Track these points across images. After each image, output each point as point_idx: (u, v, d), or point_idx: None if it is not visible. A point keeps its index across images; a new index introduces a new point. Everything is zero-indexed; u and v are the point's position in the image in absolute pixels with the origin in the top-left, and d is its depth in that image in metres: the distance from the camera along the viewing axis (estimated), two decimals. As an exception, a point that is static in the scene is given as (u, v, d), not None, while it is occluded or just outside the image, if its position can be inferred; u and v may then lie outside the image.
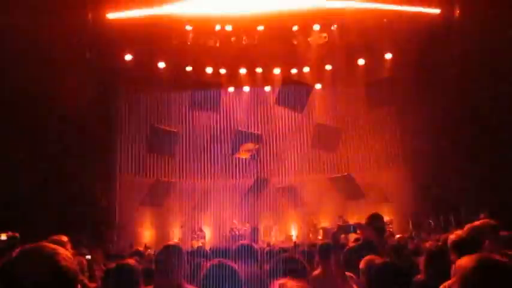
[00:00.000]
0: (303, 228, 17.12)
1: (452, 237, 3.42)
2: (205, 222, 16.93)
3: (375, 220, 4.34)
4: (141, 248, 10.61)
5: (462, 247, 3.31)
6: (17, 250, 1.64)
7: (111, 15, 14.07)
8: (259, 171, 17.44)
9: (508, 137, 11.58)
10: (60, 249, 1.68)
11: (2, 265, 1.59)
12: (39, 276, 1.56)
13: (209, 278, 2.58)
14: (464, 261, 2.04)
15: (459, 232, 3.50)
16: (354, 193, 15.53)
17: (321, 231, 16.17)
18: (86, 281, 4.37)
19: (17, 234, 4.43)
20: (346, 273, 3.80)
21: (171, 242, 3.91)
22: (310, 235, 16.41)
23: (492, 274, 1.95)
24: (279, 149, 18.02)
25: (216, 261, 2.72)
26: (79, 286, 1.70)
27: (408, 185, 15.13)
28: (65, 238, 3.97)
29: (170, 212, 16.46)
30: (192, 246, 14.54)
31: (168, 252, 3.25)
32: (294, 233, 17.21)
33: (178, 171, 17.28)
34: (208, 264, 2.68)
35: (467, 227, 4.15)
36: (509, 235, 4.59)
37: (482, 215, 7.35)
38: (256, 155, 16.18)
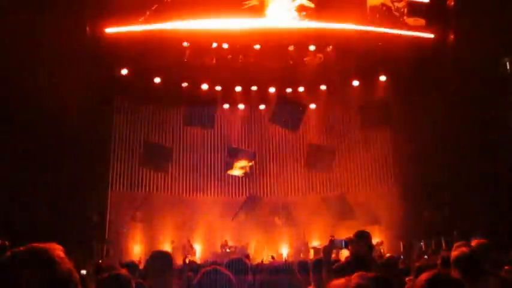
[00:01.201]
0: (294, 247, 17.04)
1: (455, 253, 3.43)
2: (196, 238, 16.80)
3: (364, 236, 4.36)
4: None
5: (465, 264, 3.31)
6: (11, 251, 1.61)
7: (109, 30, 14.16)
8: (251, 188, 17.42)
9: (502, 159, 11.67)
10: (56, 250, 1.67)
11: None
12: (33, 276, 1.54)
13: (204, 284, 2.56)
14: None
15: (463, 249, 3.50)
16: (345, 213, 15.54)
17: (311, 251, 16.09)
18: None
19: (7, 242, 4.39)
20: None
21: (159, 250, 3.94)
22: (301, 254, 16.31)
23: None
24: (272, 167, 18.02)
25: (211, 267, 2.70)
26: None
27: (400, 207, 15.12)
28: (58, 246, 3.92)
29: (161, 227, 16.33)
30: (184, 262, 14.41)
31: (157, 257, 3.27)
32: (284, 251, 17.12)
33: (171, 186, 17.23)
34: (203, 270, 2.66)
35: (460, 244, 4.15)
36: (498, 256, 4.61)
37: (474, 238, 7.37)
38: (249, 173, 16.18)
